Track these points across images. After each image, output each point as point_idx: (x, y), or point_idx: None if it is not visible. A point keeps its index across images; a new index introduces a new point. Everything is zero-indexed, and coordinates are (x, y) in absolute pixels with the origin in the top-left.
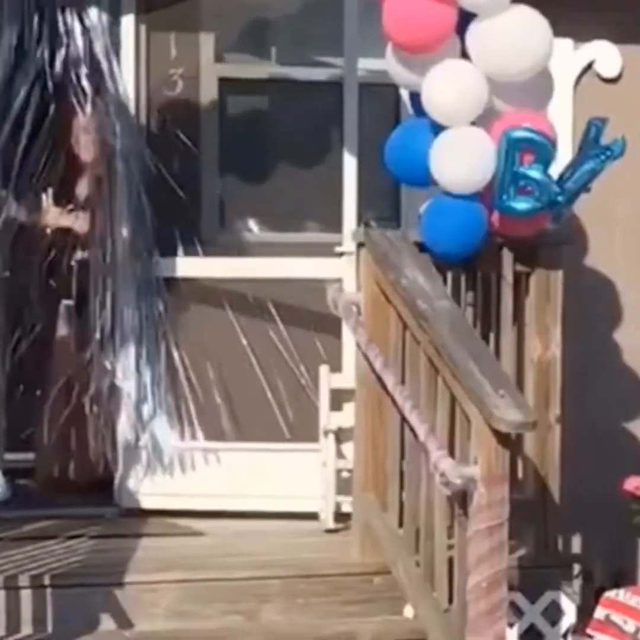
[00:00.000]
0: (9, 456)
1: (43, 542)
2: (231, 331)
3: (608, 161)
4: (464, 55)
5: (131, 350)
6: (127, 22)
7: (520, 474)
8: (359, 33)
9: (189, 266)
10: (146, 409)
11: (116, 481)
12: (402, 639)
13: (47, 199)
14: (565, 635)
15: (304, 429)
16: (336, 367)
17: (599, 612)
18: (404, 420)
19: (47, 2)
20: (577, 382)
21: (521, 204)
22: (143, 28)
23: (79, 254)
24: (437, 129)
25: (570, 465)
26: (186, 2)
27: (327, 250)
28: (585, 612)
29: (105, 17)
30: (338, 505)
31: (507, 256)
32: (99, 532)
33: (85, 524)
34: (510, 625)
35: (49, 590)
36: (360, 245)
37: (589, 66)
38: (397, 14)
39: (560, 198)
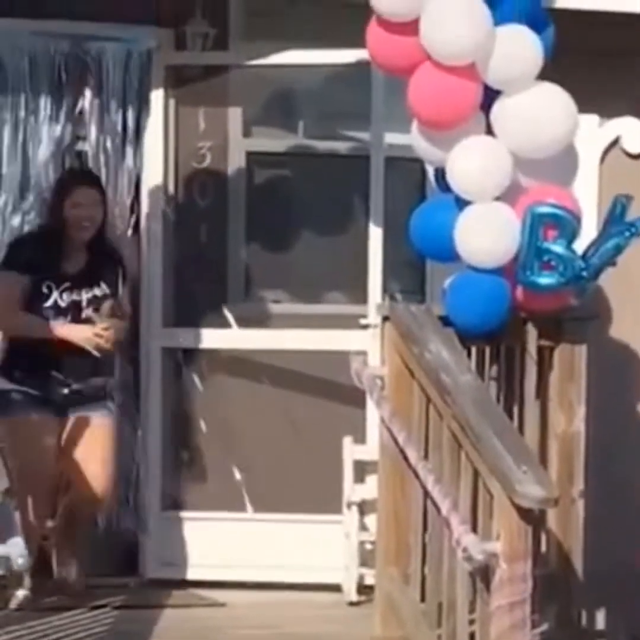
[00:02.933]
0: None
1: (66, 612)
2: (254, 402)
3: (633, 238)
4: (489, 131)
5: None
6: (156, 96)
7: (543, 548)
8: (386, 107)
9: (213, 338)
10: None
11: (140, 551)
12: None
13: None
14: None
15: (327, 501)
16: (360, 439)
17: None
18: (426, 494)
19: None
20: (600, 456)
21: (545, 279)
22: (172, 102)
23: None
24: (462, 204)
25: (594, 539)
26: (214, 77)
27: (351, 322)
28: None
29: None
30: (361, 578)
31: (531, 330)
32: (123, 602)
33: (109, 593)
34: None
35: None
36: (385, 318)
37: (615, 142)
38: (423, 90)
39: (584, 273)
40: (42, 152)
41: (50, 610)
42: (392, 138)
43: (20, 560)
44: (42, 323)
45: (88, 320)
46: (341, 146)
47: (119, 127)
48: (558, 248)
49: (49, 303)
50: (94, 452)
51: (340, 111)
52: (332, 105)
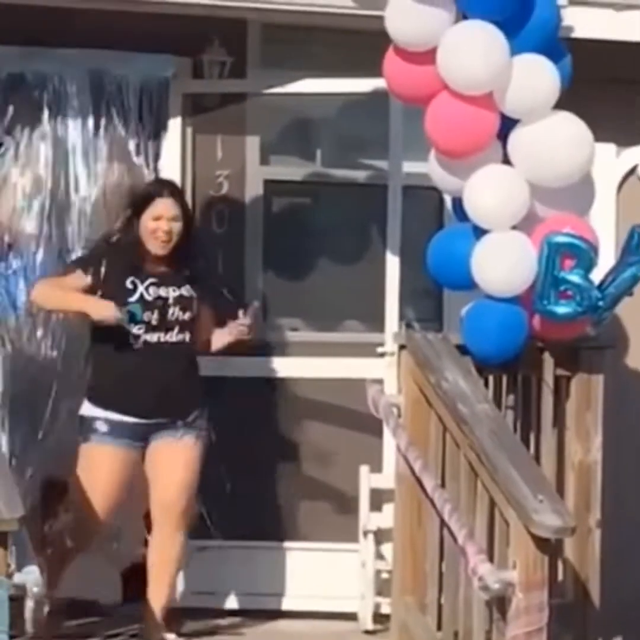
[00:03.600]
0: None
1: None
2: (270, 429)
3: None
4: (506, 160)
5: None
6: (174, 124)
7: (559, 577)
8: (404, 136)
9: (230, 366)
10: None
11: None
12: None
13: None
14: None
15: (343, 529)
16: (376, 467)
17: None
18: (443, 522)
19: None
20: (617, 484)
21: (562, 308)
22: (189, 130)
23: None
24: (479, 232)
25: (611, 569)
26: (232, 105)
27: (368, 351)
28: None
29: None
30: (377, 606)
31: (548, 360)
32: (138, 631)
33: (124, 622)
34: None
35: None
36: (401, 347)
37: (632, 171)
38: (440, 119)
39: (601, 303)
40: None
41: (66, 637)
42: (409, 167)
43: (35, 589)
44: (77, 295)
45: (176, 320)
46: (359, 175)
47: (137, 155)
48: (575, 277)
49: (135, 297)
50: (175, 475)
51: (358, 140)
52: (350, 133)
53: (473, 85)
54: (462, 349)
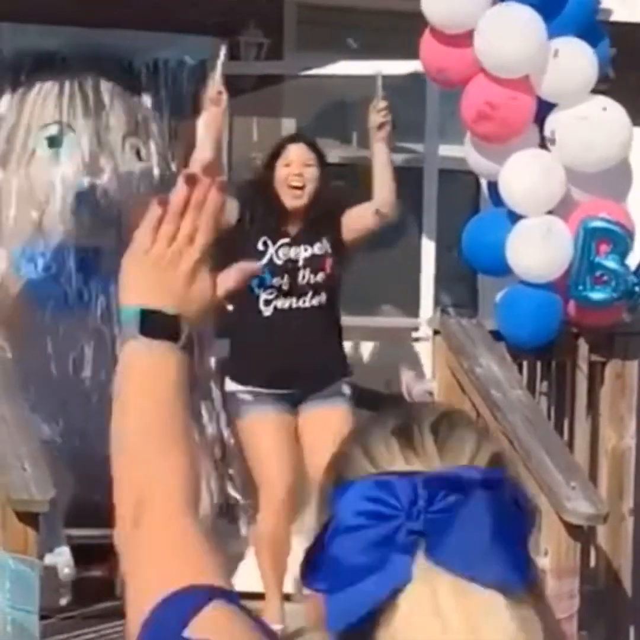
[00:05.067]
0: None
1: (115, 621)
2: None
3: None
4: (543, 144)
5: None
6: None
7: (592, 564)
8: (440, 119)
9: None
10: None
11: None
12: None
13: None
14: None
15: None
16: None
17: None
18: None
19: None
20: None
21: (597, 294)
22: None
23: None
24: (515, 218)
25: None
26: (268, 87)
27: (403, 335)
28: None
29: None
30: None
31: (582, 345)
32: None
33: None
34: None
35: None
36: (436, 332)
37: None
38: (477, 104)
39: (637, 288)
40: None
41: (98, 617)
42: (445, 150)
43: (66, 570)
44: None
45: (308, 284)
46: (395, 158)
47: (174, 138)
48: (611, 263)
49: (265, 260)
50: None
51: (394, 122)
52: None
53: (510, 69)
54: (496, 335)
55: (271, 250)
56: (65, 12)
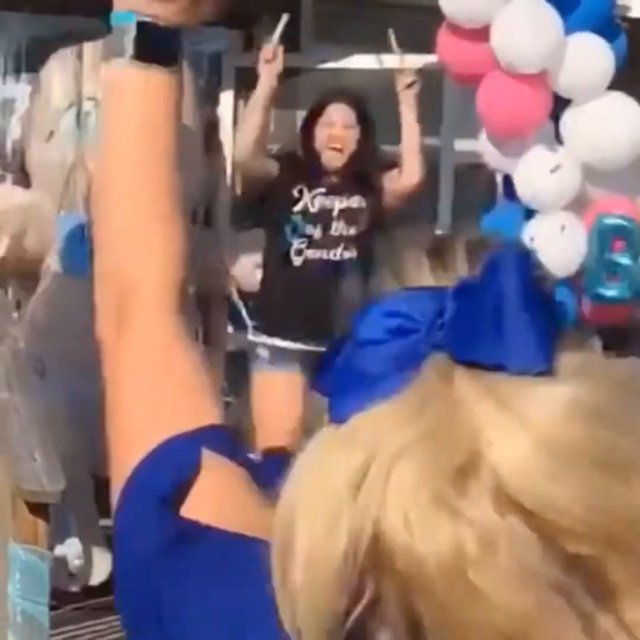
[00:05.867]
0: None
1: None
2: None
3: None
4: (558, 140)
5: None
6: (226, 98)
7: None
8: (456, 113)
9: None
10: None
11: None
12: None
13: None
14: None
15: None
16: None
17: None
18: None
19: None
20: None
21: (611, 291)
22: (241, 104)
23: None
24: (529, 213)
25: None
26: (284, 79)
27: None
28: None
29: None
30: None
31: (596, 343)
32: None
33: None
34: None
35: None
36: None
37: None
38: (492, 98)
39: None
40: None
41: (109, 609)
42: (461, 144)
43: (76, 562)
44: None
45: (340, 236)
46: None
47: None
48: (625, 260)
49: (299, 207)
50: None
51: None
52: None
53: (526, 64)
54: None
55: (307, 197)
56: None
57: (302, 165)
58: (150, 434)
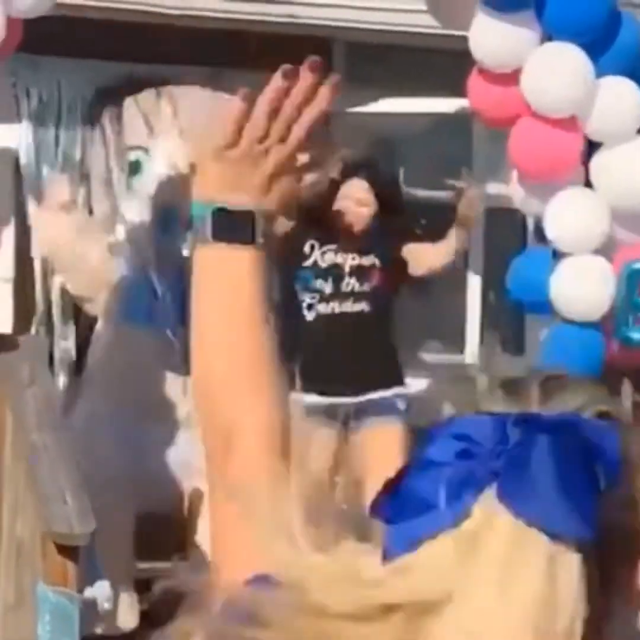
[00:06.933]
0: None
1: None
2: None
3: None
4: (588, 183)
5: None
6: None
7: None
8: (487, 156)
9: None
10: None
11: None
12: None
13: None
14: None
15: None
16: None
17: None
18: None
19: None
20: None
21: (638, 334)
22: None
23: None
24: (559, 256)
25: None
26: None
27: (449, 372)
28: None
29: None
30: None
31: (626, 386)
32: None
33: None
34: None
35: None
36: None
37: None
38: (524, 141)
39: None
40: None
41: None
42: (492, 188)
43: (106, 605)
44: None
45: (352, 292)
46: (441, 195)
47: None
48: None
49: (308, 262)
50: (383, 465)
51: (441, 160)
52: (433, 153)
53: (558, 108)
54: None
55: (317, 253)
56: (123, 47)
57: (315, 223)
58: (245, 568)
